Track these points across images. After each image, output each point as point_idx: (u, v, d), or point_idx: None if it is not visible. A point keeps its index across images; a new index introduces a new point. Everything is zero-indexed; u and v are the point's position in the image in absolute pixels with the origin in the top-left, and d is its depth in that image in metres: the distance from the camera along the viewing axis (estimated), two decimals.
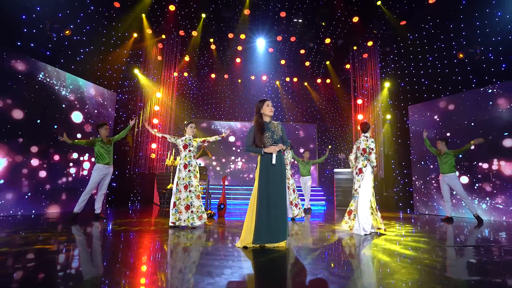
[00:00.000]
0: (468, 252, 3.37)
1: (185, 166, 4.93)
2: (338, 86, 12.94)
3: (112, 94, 8.44)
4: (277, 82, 13.62)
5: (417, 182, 8.54)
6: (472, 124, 7.37)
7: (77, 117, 7.29)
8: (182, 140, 5.00)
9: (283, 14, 9.22)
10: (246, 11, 9.11)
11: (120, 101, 9.49)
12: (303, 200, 8.45)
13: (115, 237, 3.91)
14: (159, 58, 10.71)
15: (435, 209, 8.04)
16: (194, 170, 4.98)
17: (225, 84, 13.47)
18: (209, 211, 6.33)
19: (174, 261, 2.76)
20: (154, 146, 10.63)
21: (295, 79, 13.56)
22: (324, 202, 12.02)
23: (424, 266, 2.65)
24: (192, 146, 5.03)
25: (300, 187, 8.59)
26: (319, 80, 13.54)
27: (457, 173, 6.76)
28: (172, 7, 9.14)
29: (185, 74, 12.56)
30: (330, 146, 13.51)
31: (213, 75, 13.21)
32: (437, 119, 8.15)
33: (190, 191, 4.86)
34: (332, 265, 2.69)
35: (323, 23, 9.35)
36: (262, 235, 3.26)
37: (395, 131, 10.01)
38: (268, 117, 3.59)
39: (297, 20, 9.46)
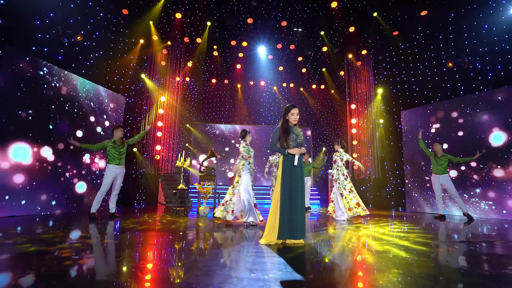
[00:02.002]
0: (471, 247, 3.48)
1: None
2: (332, 91, 13.09)
3: (121, 97, 8.37)
4: (275, 88, 13.70)
5: (409, 184, 8.71)
6: (460, 128, 7.58)
7: (90, 119, 7.20)
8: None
9: (284, 23, 9.31)
10: (249, 20, 9.16)
11: (127, 104, 9.40)
12: None
13: (134, 236, 3.88)
14: (163, 63, 10.67)
15: (425, 207, 8.22)
16: None
17: (225, 89, 13.50)
18: None
19: (211, 258, 2.76)
20: (158, 148, 10.56)
21: (291, 85, 13.68)
22: (318, 201, 12.14)
23: (433, 259, 2.73)
24: None
25: None
26: (314, 86, 13.69)
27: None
28: (178, 15, 9.13)
29: (187, 79, 12.53)
30: (324, 149, 13.69)
31: (214, 80, 13.22)
32: (428, 124, 8.34)
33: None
34: (356, 258, 2.75)
35: (322, 32, 9.47)
36: (285, 232, 3.31)
37: (388, 134, 10.18)
38: (291, 124, 3.64)
39: (296, 29, 9.56)
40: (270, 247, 3.20)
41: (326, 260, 2.73)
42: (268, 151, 5.40)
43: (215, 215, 5.10)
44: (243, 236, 4.03)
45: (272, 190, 6.19)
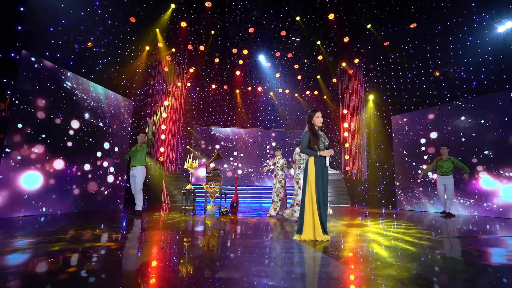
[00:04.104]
0: (470, 242, 3.62)
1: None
2: (325, 97, 13.30)
3: (129, 102, 8.32)
4: (271, 93, 13.82)
5: (399, 184, 8.91)
6: (446, 132, 7.83)
7: (100, 123, 7.13)
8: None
9: (283, 33, 9.43)
10: (251, 29, 9.24)
11: (134, 108, 9.34)
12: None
13: (159, 234, 3.88)
14: (166, 69, 10.64)
15: (414, 205, 8.42)
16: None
17: (224, 94, 13.55)
18: (225, 209, 6.37)
19: (244, 256, 2.80)
20: (162, 149, 10.50)
21: (287, 91, 13.82)
22: None
23: (440, 253, 2.84)
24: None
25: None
26: (308, 92, 13.87)
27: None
28: (183, 24, 9.14)
29: (188, 84, 12.51)
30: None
31: (213, 86, 13.25)
32: (417, 129, 8.57)
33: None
34: (374, 253, 2.83)
35: (318, 42, 9.62)
36: (325, 228, 3.44)
37: (379, 138, 10.40)
38: (317, 126, 3.69)
39: (294, 39, 9.69)
40: (304, 243, 3.24)
41: (351, 254, 2.80)
42: (300, 153, 5.64)
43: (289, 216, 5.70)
44: (262, 233, 4.08)
45: (281, 186, 6.29)
